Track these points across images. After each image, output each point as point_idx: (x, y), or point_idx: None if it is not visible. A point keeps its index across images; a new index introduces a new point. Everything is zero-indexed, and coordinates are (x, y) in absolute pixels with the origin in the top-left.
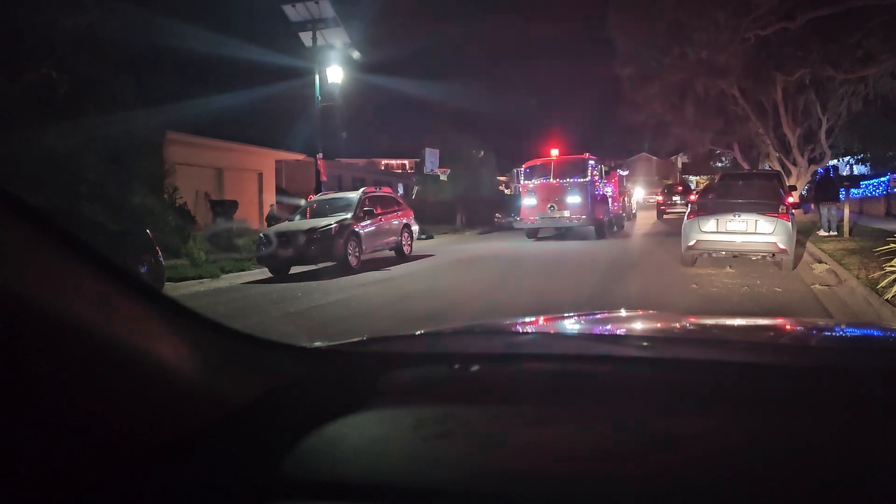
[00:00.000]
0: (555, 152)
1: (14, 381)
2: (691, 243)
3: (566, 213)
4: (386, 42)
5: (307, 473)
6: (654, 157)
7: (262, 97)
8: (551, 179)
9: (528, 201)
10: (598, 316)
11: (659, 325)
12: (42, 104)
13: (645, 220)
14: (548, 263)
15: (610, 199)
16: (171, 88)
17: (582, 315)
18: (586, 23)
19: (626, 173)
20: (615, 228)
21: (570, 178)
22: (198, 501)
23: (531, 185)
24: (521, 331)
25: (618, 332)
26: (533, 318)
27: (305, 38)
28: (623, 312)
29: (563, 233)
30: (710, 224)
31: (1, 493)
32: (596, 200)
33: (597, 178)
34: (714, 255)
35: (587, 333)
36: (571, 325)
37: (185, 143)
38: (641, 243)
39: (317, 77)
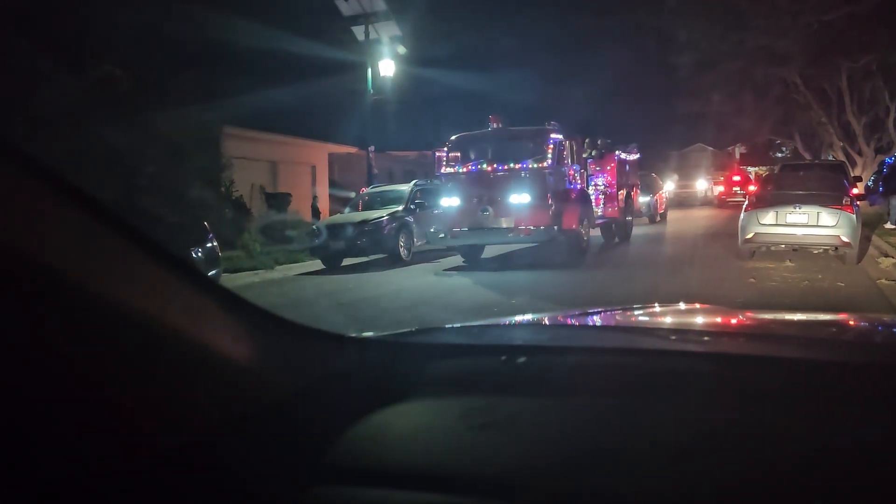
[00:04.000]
0: (493, 126)
1: (73, 367)
2: (749, 236)
3: (510, 221)
4: (438, 34)
5: (354, 460)
6: (710, 148)
7: (316, 91)
8: (485, 166)
9: (450, 201)
10: (651, 309)
11: (714, 319)
12: (105, 101)
13: (679, 222)
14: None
15: (602, 197)
16: (227, 83)
17: (634, 308)
18: (641, 11)
19: (635, 157)
20: (616, 239)
21: (518, 164)
22: (249, 484)
23: (456, 175)
24: (570, 323)
25: (670, 325)
26: (584, 311)
27: (358, 31)
28: (677, 306)
29: (523, 251)
30: (768, 216)
31: (63, 471)
32: (567, 199)
33: (568, 162)
34: (773, 248)
35: (639, 327)
36: (623, 318)
37: (241, 137)
38: (633, 285)
39: (368, 70)
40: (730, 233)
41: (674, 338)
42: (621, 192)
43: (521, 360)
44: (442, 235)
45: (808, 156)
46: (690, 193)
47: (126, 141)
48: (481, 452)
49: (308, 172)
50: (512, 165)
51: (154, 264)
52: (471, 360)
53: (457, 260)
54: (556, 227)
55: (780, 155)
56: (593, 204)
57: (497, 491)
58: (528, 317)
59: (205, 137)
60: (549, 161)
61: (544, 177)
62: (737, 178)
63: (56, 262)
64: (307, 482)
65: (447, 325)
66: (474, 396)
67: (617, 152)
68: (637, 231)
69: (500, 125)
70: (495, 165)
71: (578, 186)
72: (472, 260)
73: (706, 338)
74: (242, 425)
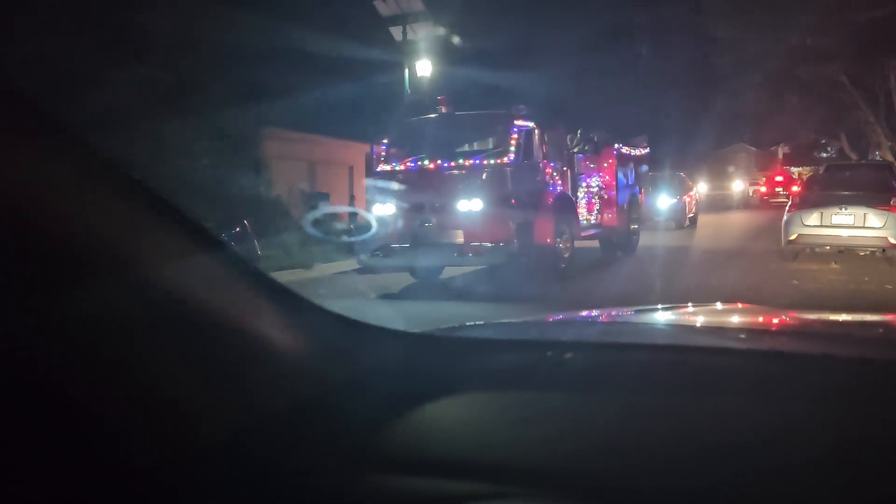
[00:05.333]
0: (441, 110)
1: (132, 355)
2: (792, 237)
3: (458, 236)
4: (477, 32)
5: (398, 451)
6: (753, 148)
7: (353, 92)
8: (427, 162)
9: (383, 208)
10: (695, 308)
11: (757, 317)
12: (147, 103)
13: (711, 227)
14: None
15: (596, 202)
16: (266, 85)
17: (678, 307)
18: (684, 8)
19: (642, 152)
20: (618, 253)
21: (469, 160)
22: (297, 473)
23: (392, 175)
24: (614, 320)
25: (713, 323)
26: (629, 308)
27: (395, 32)
28: (719, 305)
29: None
30: (813, 217)
31: (125, 458)
32: (538, 206)
33: (540, 158)
34: (817, 250)
35: (682, 324)
36: (667, 316)
37: (280, 138)
38: None
39: (406, 71)
40: (770, 238)
41: (717, 335)
42: (623, 194)
43: (567, 356)
44: (378, 253)
45: (854, 156)
46: (727, 195)
47: (168, 142)
48: (521, 446)
49: (346, 173)
50: (461, 162)
51: (208, 257)
52: (514, 356)
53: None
54: (519, 244)
55: (825, 155)
56: (584, 210)
57: (538, 483)
58: (571, 313)
59: (245, 138)
60: (512, 155)
61: (504, 176)
62: (779, 178)
63: (115, 251)
64: (353, 472)
65: (493, 322)
66: (517, 391)
67: (617, 146)
68: (656, 239)
69: (449, 109)
70: (440, 162)
71: (558, 189)
72: (427, 280)
73: (749, 335)
74: (290, 416)
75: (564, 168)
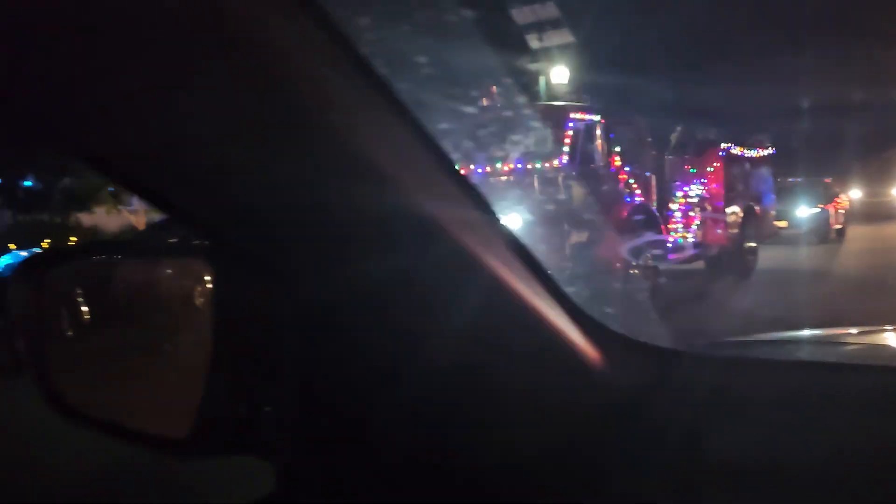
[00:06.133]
0: (483, 104)
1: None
2: None
3: None
4: (610, 36)
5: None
6: None
7: (486, 101)
8: (457, 167)
9: None
10: None
11: None
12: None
13: (862, 241)
14: None
15: (697, 216)
16: (402, 96)
17: None
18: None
19: (762, 154)
20: (728, 277)
21: (511, 164)
22: (630, 472)
23: None
24: (863, 342)
25: None
26: (869, 327)
27: (531, 40)
28: None
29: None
30: None
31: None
32: (603, 223)
33: (608, 161)
34: None
35: None
36: None
37: None
38: None
39: (541, 78)
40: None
41: None
42: (733, 206)
43: (827, 376)
44: None
45: None
46: (886, 202)
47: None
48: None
49: None
50: (498, 167)
51: (526, 273)
52: (782, 376)
53: None
54: (574, 271)
55: None
56: (679, 225)
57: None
58: (851, 329)
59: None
60: (566, 158)
61: (553, 184)
62: None
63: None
64: (680, 476)
65: (750, 339)
66: (781, 410)
67: (725, 146)
68: (788, 256)
69: (491, 102)
70: (472, 167)
71: (636, 200)
72: None
73: None
74: (592, 432)
75: (648, 174)
